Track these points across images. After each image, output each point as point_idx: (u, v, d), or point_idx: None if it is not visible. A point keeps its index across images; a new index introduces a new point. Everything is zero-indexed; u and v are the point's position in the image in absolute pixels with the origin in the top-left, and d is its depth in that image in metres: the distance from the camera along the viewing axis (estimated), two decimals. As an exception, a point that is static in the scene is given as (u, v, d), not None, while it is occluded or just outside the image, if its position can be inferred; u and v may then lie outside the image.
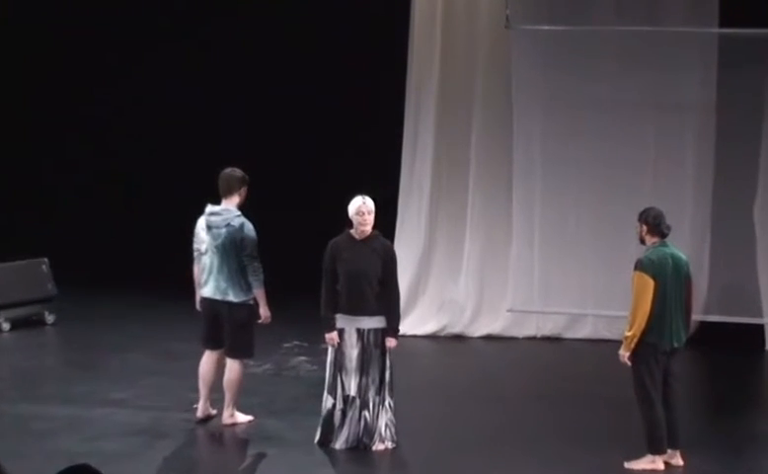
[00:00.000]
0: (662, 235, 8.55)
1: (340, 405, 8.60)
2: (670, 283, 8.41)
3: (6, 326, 13.15)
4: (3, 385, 10.81)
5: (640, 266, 8.45)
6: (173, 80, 16.24)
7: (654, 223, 8.56)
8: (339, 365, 8.60)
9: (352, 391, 8.56)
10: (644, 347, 8.38)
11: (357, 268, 8.49)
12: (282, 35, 15.92)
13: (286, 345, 12.55)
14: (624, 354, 8.39)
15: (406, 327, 13.59)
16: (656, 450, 8.52)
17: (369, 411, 8.55)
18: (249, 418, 9.53)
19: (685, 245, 12.46)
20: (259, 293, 9.15)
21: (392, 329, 8.63)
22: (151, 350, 12.27)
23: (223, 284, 9.08)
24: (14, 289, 13.27)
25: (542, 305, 13.31)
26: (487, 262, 13.82)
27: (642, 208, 8.58)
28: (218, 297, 9.10)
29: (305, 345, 12.57)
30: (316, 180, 15.88)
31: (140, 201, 16.67)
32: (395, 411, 8.71)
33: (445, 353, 13.22)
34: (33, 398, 10.24)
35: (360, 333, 8.53)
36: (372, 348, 8.52)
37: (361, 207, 8.62)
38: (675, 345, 8.49)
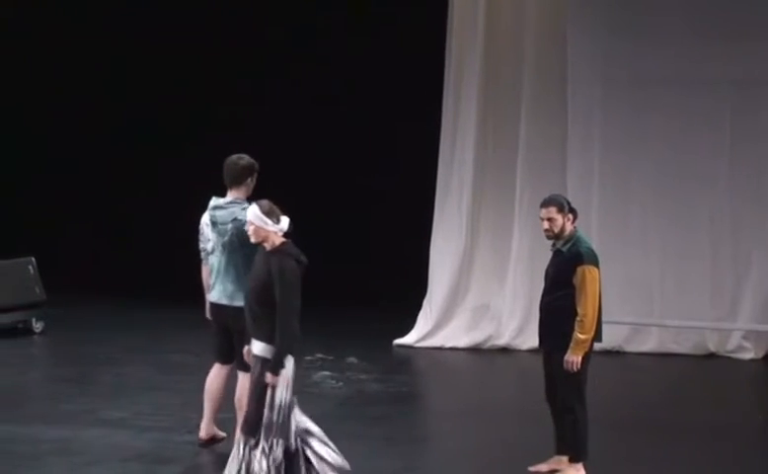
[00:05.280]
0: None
1: None
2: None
3: (-13, 335, 13.23)
4: (-18, 403, 10.84)
5: (584, 259, 8.41)
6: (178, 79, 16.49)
7: (573, 209, 8.58)
8: None
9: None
10: (589, 349, 8.42)
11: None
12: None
13: (308, 358, 12.50)
14: (575, 359, 8.32)
15: (442, 339, 13.48)
16: (587, 456, 8.53)
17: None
18: (265, 442, 9.45)
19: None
20: None
21: (270, 362, 7.75)
22: (151, 362, 12.29)
23: (230, 287, 8.97)
24: (-4, 293, 13.29)
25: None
26: (537, 262, 13.60)
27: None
28: (225, 302, 8.98)
29: (330, 358, 12.52)
30: (343, 180, 15.93)
31: (137, 197, 16.71)
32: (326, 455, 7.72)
33: (488, 368, 13.13)
34: (16, 418, 10.12)
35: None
36: (258, 377, 7.82)
37: None
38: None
